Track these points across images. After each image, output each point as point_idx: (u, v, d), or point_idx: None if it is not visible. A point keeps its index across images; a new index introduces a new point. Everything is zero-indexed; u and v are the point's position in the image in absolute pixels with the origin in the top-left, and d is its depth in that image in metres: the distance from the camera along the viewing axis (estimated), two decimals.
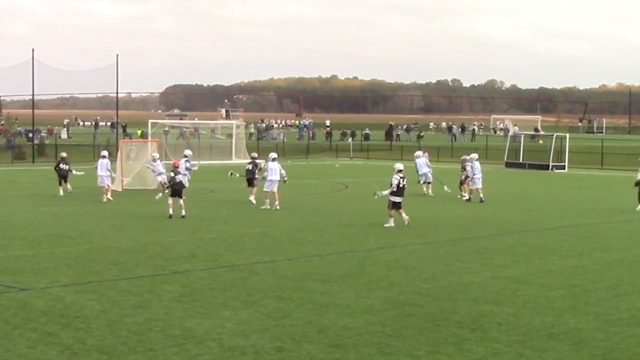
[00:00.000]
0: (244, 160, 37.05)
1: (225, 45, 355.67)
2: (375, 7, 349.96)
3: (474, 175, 31.82)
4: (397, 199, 23.73)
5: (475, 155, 32.90)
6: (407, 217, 23.78)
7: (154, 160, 33.34)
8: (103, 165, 31.11)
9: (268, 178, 28.30)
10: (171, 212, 25.20)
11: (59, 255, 18.21)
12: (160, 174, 33.30)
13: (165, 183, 33.21)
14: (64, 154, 33.55)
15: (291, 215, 26.67)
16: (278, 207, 27.80)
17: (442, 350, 11.19)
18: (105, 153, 32.33)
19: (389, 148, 71.87)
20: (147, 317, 12.69)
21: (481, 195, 31.70)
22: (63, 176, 32.22)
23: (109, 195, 30.56)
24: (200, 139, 69.75)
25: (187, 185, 30.81)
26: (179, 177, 25.82)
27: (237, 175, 31.46)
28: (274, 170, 28.42)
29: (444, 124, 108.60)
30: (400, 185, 23.71)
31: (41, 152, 57.31)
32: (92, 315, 12.80)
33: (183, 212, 25.24)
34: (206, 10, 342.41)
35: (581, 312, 13.54)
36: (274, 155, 29.58)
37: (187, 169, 31.08)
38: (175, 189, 25.64)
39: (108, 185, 30.91)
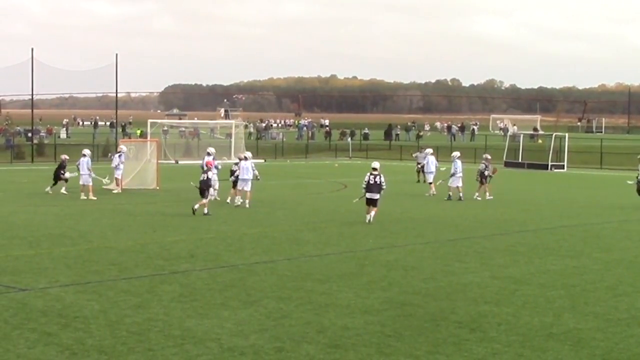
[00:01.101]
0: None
1: (225, 45, 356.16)
2: (374, 7, 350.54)
3: (454, 173, 32.03)
4: (368, 195, 24.43)
5: (457, 154, 33.04)
6: (372, 216, 24.23)
7: (119, 154, 33.26)
8: (84, 164, 31.09)
9: (240, 177, 28.58)
10: (201, 209, 25.54)
11: (59, 256, 18.20)
12: (117, 168, 33.12)
13: (119, 179, 33.24)
14: (64, 156, 33.50)
15: (290, 215, 26.68)
16: (247, 206, 28.10)
17: (441, 351, 11.19)
18: (86, 152, 32.20)
19: (388, 148, 71.86)
20: (147, 317, 12.68)
21: (460, 194, 31.95)
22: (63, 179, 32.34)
23: (91, 195, 30.49)
24: (200, 139, 69.70)
25: (216, 185, 30.82)
26: (204, 175, 26.12)
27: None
28: (246, 169, 28.68)
29: (437, 124, 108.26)
30: (371, 182, 24.37)
31: (40, 152, 57.25)
32: (92, 315, 12.79)
33: (196, 206, 25.55)
34: (205, 10, 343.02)
35: (580, 312, 13.55)
36: (247, 154, 30.02)
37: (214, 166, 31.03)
38: (200, 188, 25.99)
39: (85, 184, 30.80)
